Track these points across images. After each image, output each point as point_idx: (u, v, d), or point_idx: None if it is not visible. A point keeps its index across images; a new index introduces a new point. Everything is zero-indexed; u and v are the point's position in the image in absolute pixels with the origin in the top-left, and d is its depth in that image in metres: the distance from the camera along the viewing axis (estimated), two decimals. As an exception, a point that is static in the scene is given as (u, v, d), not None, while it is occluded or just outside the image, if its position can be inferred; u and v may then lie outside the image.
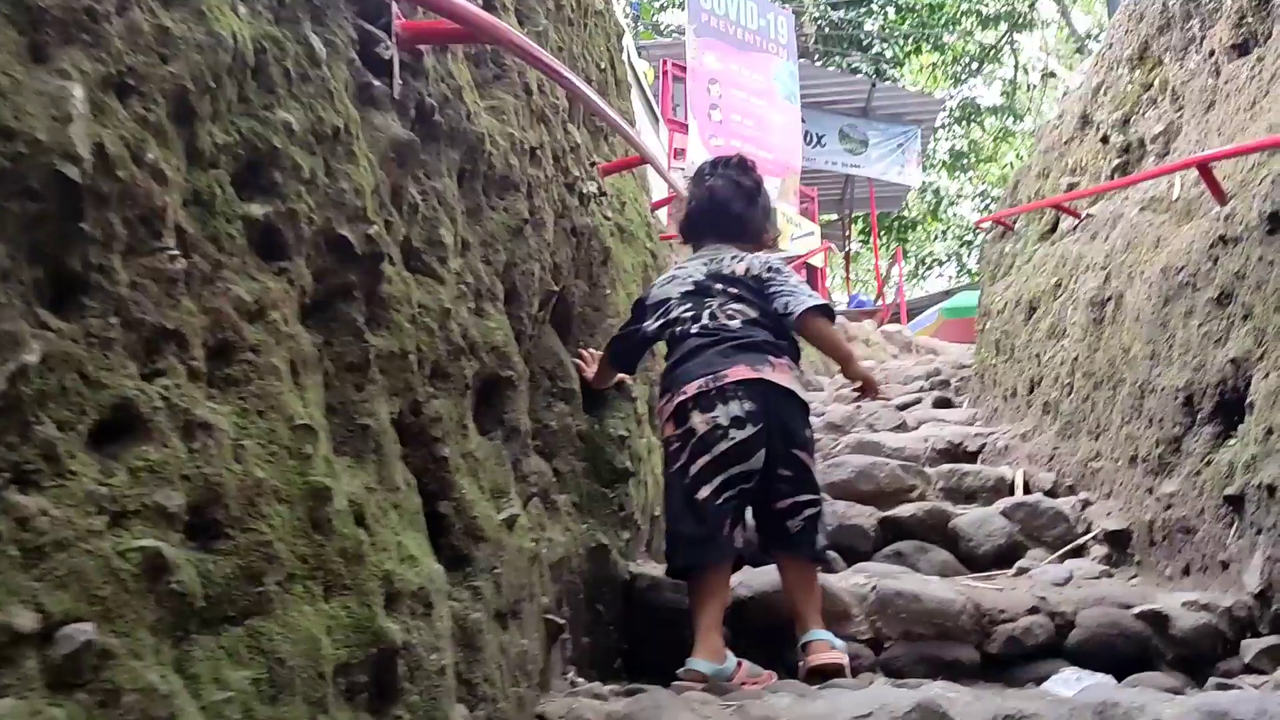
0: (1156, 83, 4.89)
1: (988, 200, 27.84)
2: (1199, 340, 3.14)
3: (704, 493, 2.42)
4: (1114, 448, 3.76)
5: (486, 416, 2.20)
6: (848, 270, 21.74)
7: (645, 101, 10.13)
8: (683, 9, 13.33)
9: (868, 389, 2.68)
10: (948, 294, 23.84)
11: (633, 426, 3.09)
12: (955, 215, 26.70)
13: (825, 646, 2.39)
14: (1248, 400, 2.82)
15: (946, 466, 4.50)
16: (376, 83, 1.82)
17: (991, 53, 25.26)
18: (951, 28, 22.96)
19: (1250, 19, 3.99)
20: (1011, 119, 26.13)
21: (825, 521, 2.63)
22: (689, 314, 2.65)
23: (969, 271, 24.59)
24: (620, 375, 3.03)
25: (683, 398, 2.49)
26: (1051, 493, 4.22)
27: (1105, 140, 5.32)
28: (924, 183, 21.49)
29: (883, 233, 23.12)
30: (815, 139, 15.76)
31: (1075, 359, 4.39)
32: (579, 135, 3.08)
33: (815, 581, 2.57)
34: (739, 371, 2.46)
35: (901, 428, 6.16)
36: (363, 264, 1.65)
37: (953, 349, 11.65)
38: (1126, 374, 3.69)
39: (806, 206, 14.49)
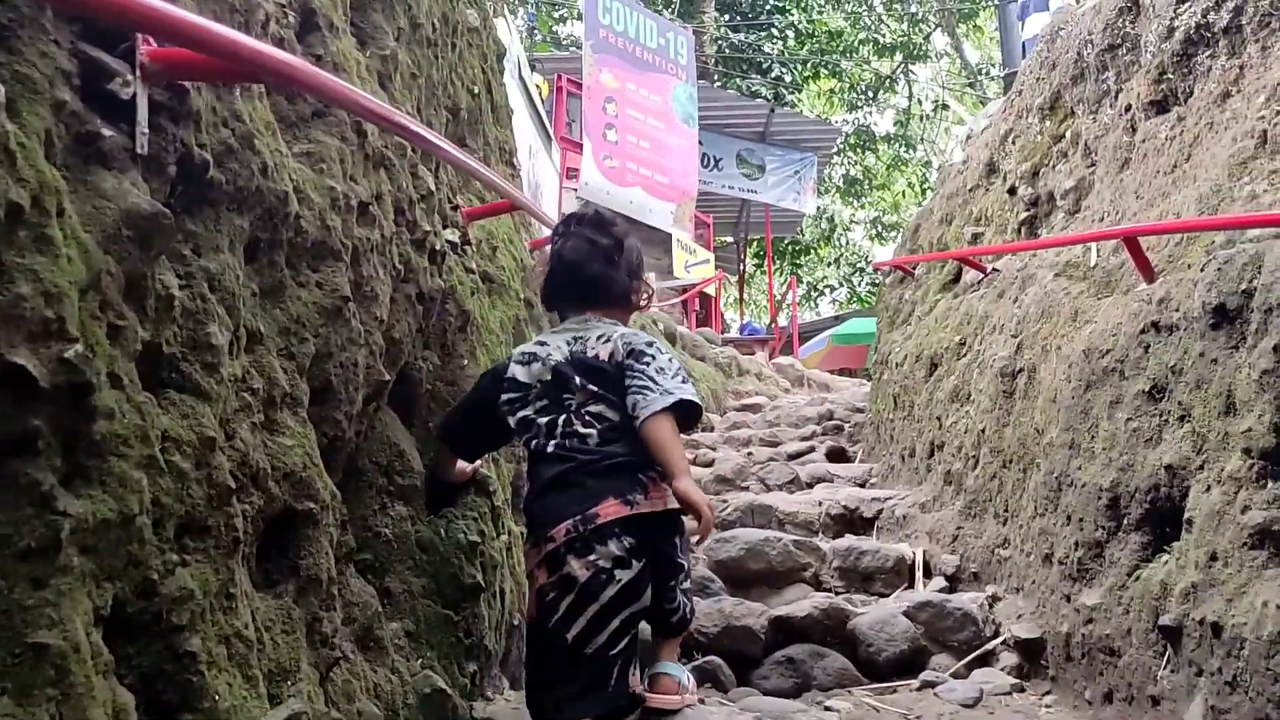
0: (1068, 135, 4.65)
1: (880, 228, 28.24)
2: (1127, 436, 2.82)
3: (595, 644, 2.11)
4: (1025, 539, 3.44)
5: (274, 564, 1.70)
6: (741, 293, 21.60)
7: (537, 119, 9.65)
8: (582, 20, 12.86)
9: (698, 522, 2.18)
10: (838, 319, 23.99)
11: (488, 527, 2.61)
12: (849, 241, 26.93)
13: (671, 685, 2.44)
14: (1185, 515, 2.49)
15: (844, 544, 4.13)
16: (108, 132, 1.31)
17: (887, 82, 25.58)
18: (849, 55, 23.13)
19: (1171, 75, 3.74)
20: (904, 147, 26.50)
21: (687, 588, 2.49)
22: (545, 420, 2.29)
23: (860, 298, 24.81)
24: (466, 467, 2.59)
25: (552, 546, 2.15)
26: (955, 578, 3.89)
27: (1013, 191, 5.07)
28: (818, 208, 21.51)
29: (777, 257, 23.10)
30: (713, 162, 15.50)
31: (982, 431, 4.07)
32: (433, 179, 2.59)
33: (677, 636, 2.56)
34: (610, 509, 2.15)
35: (795, 484, 5.81)
36: (55, 400, 1.14)
37: (845, 386, 11.48)
38: (1040, 459, 3.37)
39: (702, 233, 14.17)
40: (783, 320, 19.32)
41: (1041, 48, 5.02)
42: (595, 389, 2.26)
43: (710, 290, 13.59)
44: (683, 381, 2.26)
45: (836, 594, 3.83)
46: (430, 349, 2.60)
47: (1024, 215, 4.91)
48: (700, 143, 13.97)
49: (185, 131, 1.46)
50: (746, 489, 5.82)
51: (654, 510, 2.18)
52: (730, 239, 20.28)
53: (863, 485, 5.80)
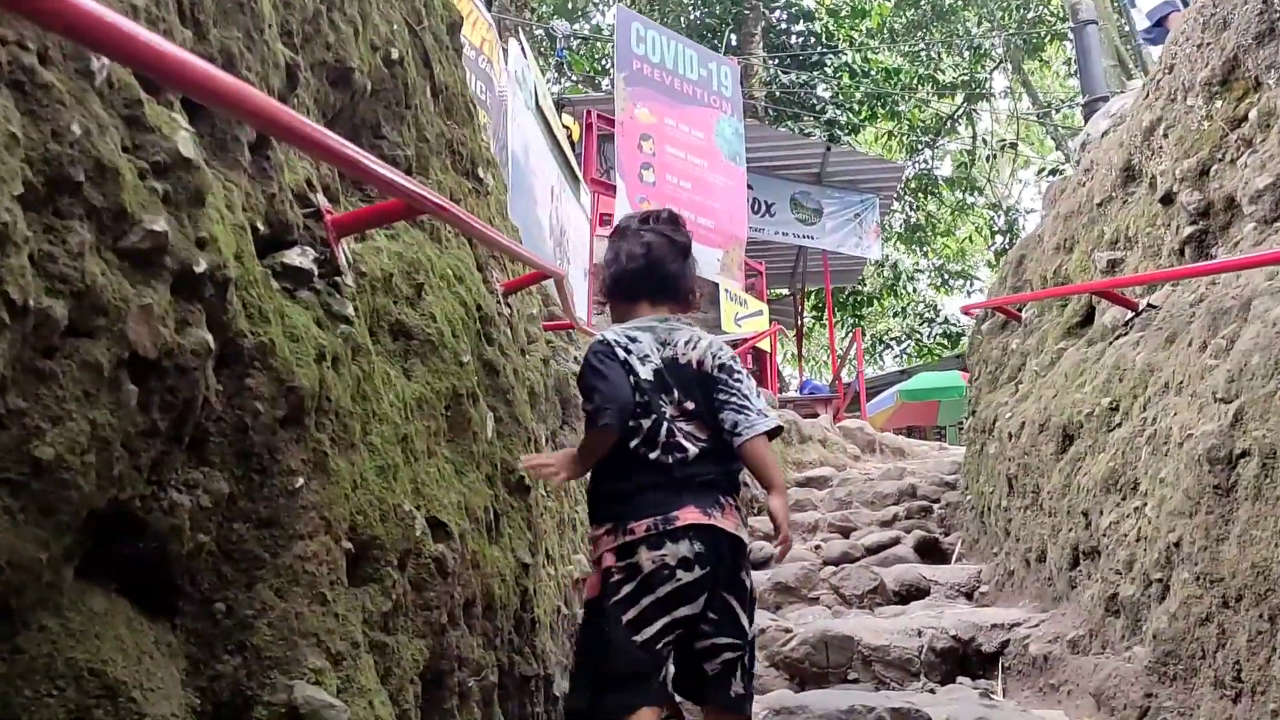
0: (1253, 115, 3.32)
1: (945, 275, 26.76)
2: None
3: (645, 634, 2.21)
4: (1295, 742, 2.06)
5: None
6: (800, 349, 20.19)
7: (561, 158, 8.52)
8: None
9: (780, 538, 2.38)
10: (904, 374, 22.41)
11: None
12: (913, 290, 25.46)
13: None
14: None
15: (971, 714, 2.77)
16: None
17: (948, 123, 24.28)
18: (907, 95, 21.88)
19: None
20: (968, 191, 25.09)
21: (750, 669, 2.38)
22: (648, 423, 2.33)
23: (929, 350, 23.25)
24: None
25: (630, 538, 2.25)
26: (1151, 778, 2.51)
27: (1168, 200, 3.74)
28: (882, 255, 20.13)
29: (837, 308, 21.71)
30: (764, 207, 14.24)
31: (1175, 544, 2.71)
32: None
33: None
34: (689, 514, 2.27)
35: (878, 593, 4.45)
36: None
37: (924, 451, 10.07)
38: (1319, 610, 2.01)
39: (753, 282, 12.84)
40: (845, 376, 17.88)
41: (1204, 4, 3.71)
42: (690, 405, 2.36)
43: (764, 345, 12.23)
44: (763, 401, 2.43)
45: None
46: (211, 465, 1.36)
47: (1188, 230, 3.58)
48: (750, 187, 12.75)
49: None
50: (816, 601, 4.48)
51: (725, 528, 2.28)
52: (786, 290, 18.96)
53: (970, 596, 4.42)
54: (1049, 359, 4.43)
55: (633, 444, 2.30)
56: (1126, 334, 3.74)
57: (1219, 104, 3.54)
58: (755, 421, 2.33)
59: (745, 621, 2.33)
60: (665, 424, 2.31)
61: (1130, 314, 3.78)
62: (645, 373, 2.34)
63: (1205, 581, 2.53)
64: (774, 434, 2.38)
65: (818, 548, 5.50)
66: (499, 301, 3.09)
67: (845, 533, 6.13)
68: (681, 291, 2.55)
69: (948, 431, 21.87)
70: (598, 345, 2.39)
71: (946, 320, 24.33)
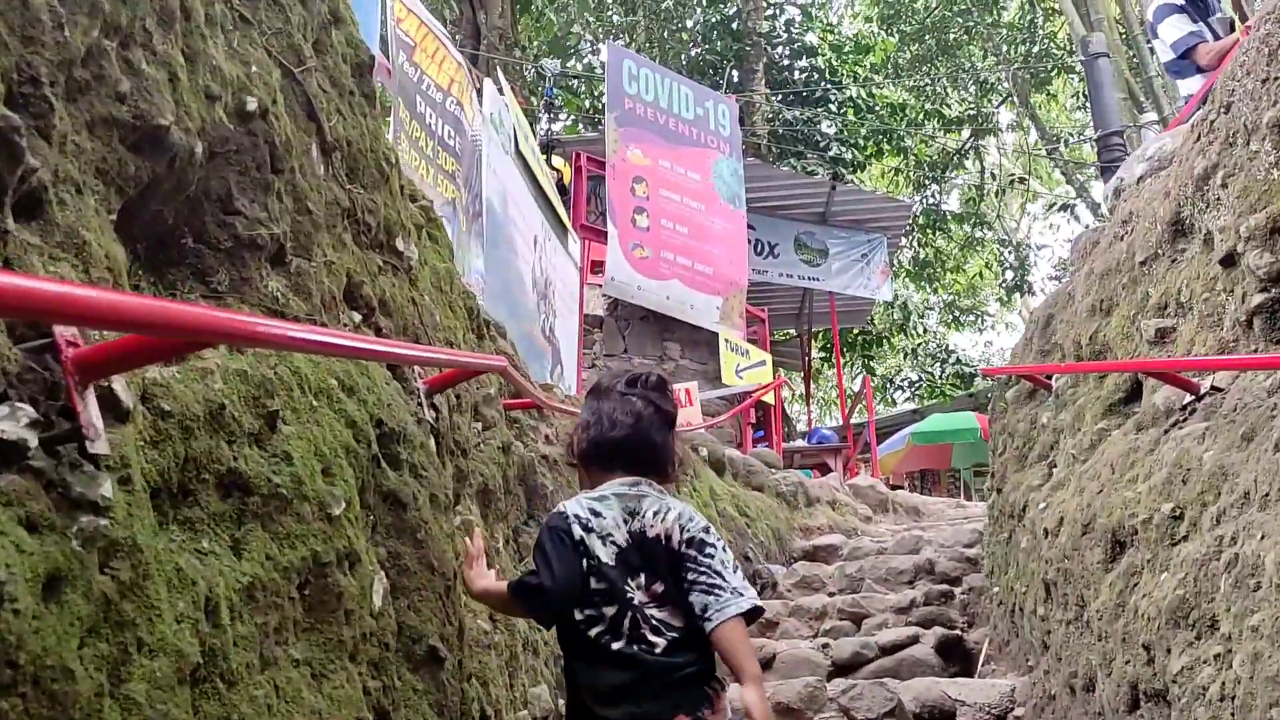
0: (1340, 162, 2.74)
1: (956, 312, 26.18)
2: None
3: None
4: None
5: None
6: (808, 389, 19.53)
7: (545, 204, 7.97)
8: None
9: None
10: (916, 414, 21.72)
11: None
12: (922, 330, 24.84)
13: None
14: None
15: None
16: None
17: (955, 157, 23.78)
18: (914, 129, 21.39)
19: None
20: (977, 226, 24.52)
21: None
22: (610, 611, 2.14)
23: (941, 391, 22.58)
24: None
25: None
26: None
27: (1230, 261, 3.15)
28: (891, 295, 19.55)
29: (846, 349, 21.08)
30: (767, 248, 13.66)
31: (1283, 725, 2.08)
32: None
33: None
34: None
35: (895, 716, 3.81)
36: None
37: (940, 509, 9.41)
38: None
39: (756, 331, 12.22)
40: (856, 417, 17.23)
41: (1268, 31, 3.14)
42: (660, 588, 2.18)
43: (769, 398, 11.61)
44: (743, 576, 2.23)
45: None
46: None
47: (1258, 299, 2.99)
48: (752, 227, 12.20)
49: None
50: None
51: None
52: (793, 331, 18.38)
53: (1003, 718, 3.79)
54: (1088, 441, 3.82)
55: (593, 632, 2.13)
56: (1186, 422, 3.13)
57: (1293, 148, 2.96)
58: (727, 604, 2.13)
59: None
60: (632, 612, 2.14)
61: (1190, 397, 3.17)
62: (606, 555, 2.17)
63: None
64: (752, 616, 2.17)
65: (825, 645, 4.87)
66: (421, 405, 2.50)
67: (857, 620, 5.50)
68: (662, 464, 2.39)
69: (962, 474, 21.17)
70: (555, 520, 2.23)
71: (959, 361, 23.69)
